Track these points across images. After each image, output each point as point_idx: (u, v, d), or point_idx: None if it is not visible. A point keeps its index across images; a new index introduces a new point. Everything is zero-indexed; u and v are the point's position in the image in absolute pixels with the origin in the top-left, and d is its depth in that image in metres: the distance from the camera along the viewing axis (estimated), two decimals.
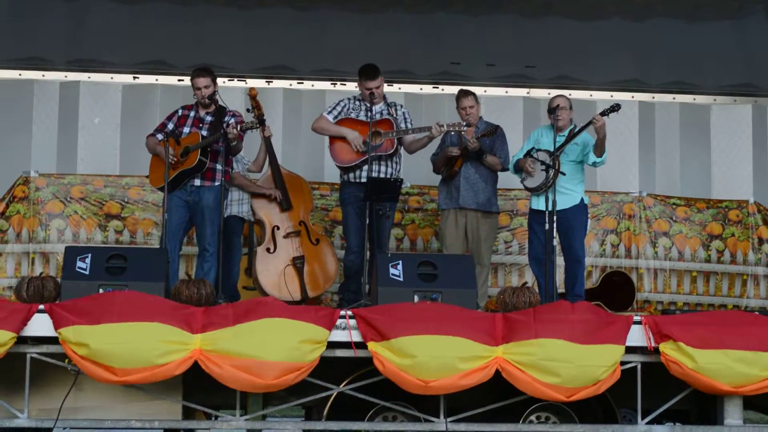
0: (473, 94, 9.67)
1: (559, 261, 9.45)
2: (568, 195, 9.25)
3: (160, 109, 10.44)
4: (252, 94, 9.66)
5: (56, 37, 11.02)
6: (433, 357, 8.04)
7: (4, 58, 11.00)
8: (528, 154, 9.28)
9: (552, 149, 9.17)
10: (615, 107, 9.21)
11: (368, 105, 9.39)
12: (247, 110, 9.52)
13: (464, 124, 9.30)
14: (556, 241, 9.07)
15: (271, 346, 7.93)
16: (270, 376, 7.92)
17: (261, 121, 9.31)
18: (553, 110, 9.24)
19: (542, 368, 8.07)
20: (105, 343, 7.79)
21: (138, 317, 7.81)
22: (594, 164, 9.34)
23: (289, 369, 7.96)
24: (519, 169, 9.39)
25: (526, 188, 9.37)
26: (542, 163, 9.13)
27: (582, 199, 9.36)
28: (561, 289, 9.56)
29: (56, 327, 7.97)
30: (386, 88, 9.90)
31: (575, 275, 9.29)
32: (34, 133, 10.90)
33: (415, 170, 9.97)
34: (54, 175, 10.42)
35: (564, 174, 9.12)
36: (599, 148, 9.19)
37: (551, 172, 9.07)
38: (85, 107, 10.98)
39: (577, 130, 9.24)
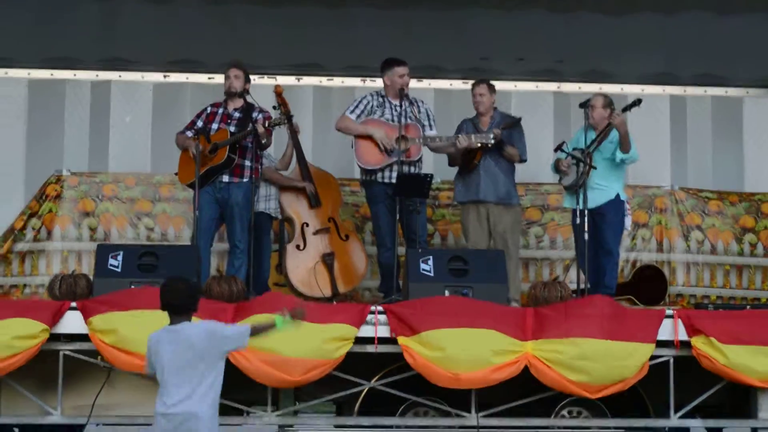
0: (487, 83, 9.62)
1: None
2: (602, 191, 9.23)
3: (190, 108, 10.46)
4: (278, 92, 9.67)
5: (87, 36, 11.05)
6: (464, 350, 8.06)
7: (36, 58, 11.07)
8: (559, 147, 9.27)
9: (590, 146, 9.16)
10: (636, 102, 9.23)
11: (393, 103, 9.37)
12: (273, 107, 9.54)
13: (491, 138, 9.24)
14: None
15: (299, 344, 7.96)
16: (296, 373, 8.00)
17: (288, 118, 9.33)
18: (583, 105, 9.21)
19: (571, 366, 8.08)
20: (133, 329, 7.84)
21: None
22: (622, 161, 9.27)
23: (314, 366, 8.04)
24: (557, 169, 9.38)
25: (564, 187, 9.35)
26: (573, 156, 9.11)
27: (618, 195, 9.31)
28: None
29: (86, 317, 8.04)
30: (416, 83, 9.86)
31: (605, 267, 9.24)
32: (66, 132, 10.96)
33: (446, 165, 9.93)
34: (86, 173, 10.50)
35: (595, 168, 9.10)
36: (623, 145, 9.16)
37: (581, 167, 9.05)
38: (117, 106, 11.04)
39: (602, 129, 9.21)
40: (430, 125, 9.54)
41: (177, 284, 6.49)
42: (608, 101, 9.46)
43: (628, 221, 9.61)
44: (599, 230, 9.26)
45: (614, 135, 9.26)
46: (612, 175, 9.33)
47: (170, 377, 6.28)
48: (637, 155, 9.33)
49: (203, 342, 6.32)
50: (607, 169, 9.27)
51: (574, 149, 9.27)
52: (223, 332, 6.45)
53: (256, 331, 6.50)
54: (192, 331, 6.38)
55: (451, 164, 9.64)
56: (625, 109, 9.19)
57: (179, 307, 6.42)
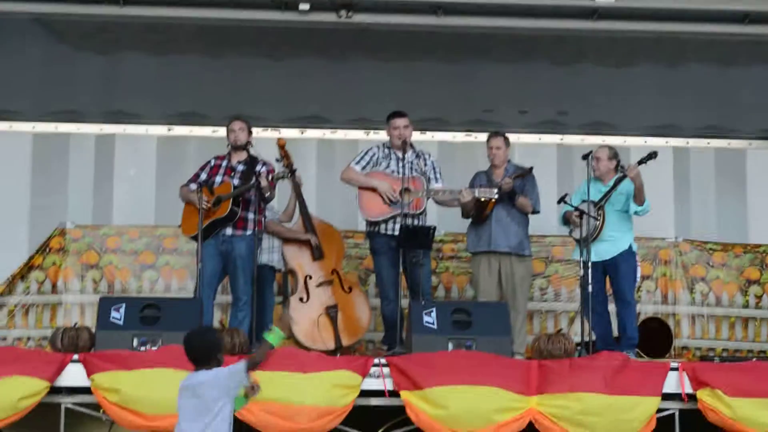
0: (503, 135, 9.65)
1: (612, 308, 9.39)
2: (614, 242, 9.25)
3: (194, 161, 10.49)
4: (280, 144, 9.70)
5: (91, 90, 11.13)
6: (467, 408, 8.01)
7: (40, 112, 11.13)
8: (562, 199, 9.26)
9: (597, 200, 9.17)
10: (652, 155, 9.22)
11: (398, 155, 9.39)
12: (276, 160, 9.57)
13: (495, 192, 9.24)
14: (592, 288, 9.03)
15: (305, 391, 7.93)
16: (303, 420, 7.94)
17: (291, 171, 9.36)
18: (585, 157, 9.21)
19: (576, 422, 8.04)
20: (136, 388, 7.82)
21: (169, 364, 7.80)
22: (636, 213, 9.27)
23: (322, 413, 7.98)
24: (567, 221, 9.36)
25: (575, 240, 9.33)
26: (579, 211, 9.09)
27: (630, 246, 9.32)
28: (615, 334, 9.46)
29: (89, 373, 8.01)
30: (420, 136, 9.87)
31: (625, 318, 9.24)
32: (70, 185, 11.02)
33: (449, 217, 9.95)
34: (90, 226, 10.51)
35: (597, 219, 9.10)
36: (638, 197, 9.18)
37: (592, 222, 9.05)
38: (121, 159, 11.09)
39: (614, 182, 9.21)
40: (436, 178, 9.54)
41: (195, 338, 6.61)
42: (613, 153, 9.49)
43: (638, 271, 9.60)
44: (615, 282, 9.28)
45: (624, 187, 9.25)
46: (623, 227, 9.32)
47: (184, 424, 6.40)
48: (650, 207, 9.32)
49: (211, 390, 6.41)
50: (618, 221, 9.28)
51: (582, 201, 9.25)
52: (224, 373, 6.52)
53: (253, 362, 6.51)
54: (200, 379, 6.47)
55: (464, 216, 9.63)
56: (641, 161, 9.19)
57: (197, 360, 6.54)
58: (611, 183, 9.29)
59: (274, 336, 6.45)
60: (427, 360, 8.24)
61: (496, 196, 9.22)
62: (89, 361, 8.11)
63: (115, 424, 8.09)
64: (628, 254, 9.32)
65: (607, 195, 9.24)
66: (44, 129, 11.18)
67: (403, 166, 9.38)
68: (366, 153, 9.61)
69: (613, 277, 9.27)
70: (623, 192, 9.27)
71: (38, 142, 11.11)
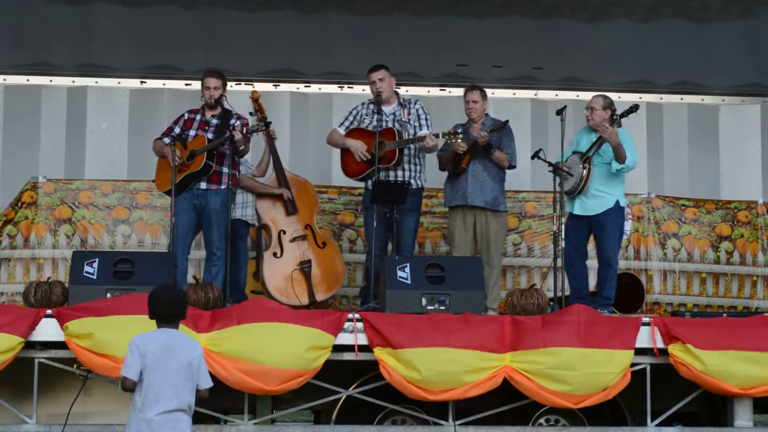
0: (480, 89, 9.59)
1: (593, 264, 9.41)
2: (601, 198, 9.16)
3: (167, 114, 10.44)
4: (254, 97, 9.64)
5: (63, 42, 11.04)
6: (439, 372, 8.04)
7: (12, 64, 11.02)
8: (535, 155, 9.23)
9: (589, 151, 9.13)
10: (633, 108, 9.14)
11: (378, 108, 9.37)
12: (250, 113, 9.52)
13: (460, 132, 9.21)
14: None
15: (278, 353, 7.96)
16: (273, 383, 7.98)
17: (265, 124, 9.32)
18: (559, 112, 9.13)
19: (550, 377, 8.07)
20: (108, 333, 7.80)
21: (143, 312, 7.76)
22: (619, 171, 9.12)
23: (293, 376, 8.02)
24: (556, 172, 9.26)
25: (565, 193, 9.24)
26: (553, 166, 9.04)
27: (617, 202, 9.21)
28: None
29: (62, 323, 7.99)
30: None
31: (605, 278, 9.19)
32: (42, 139, 10.92)
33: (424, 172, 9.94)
34: (62, 180, 10.43)
35: (571, 175, 9.08)
36: (617, 156, 9.07)
37: (582, 174, 9.02)
38: (93, 112, 11.00)
39: (597, 139, 9.14)
40: (421, 125, 9.48)
41: (166, 293, 6.54)
42: (608, 102, 9.29)
43: (628, 225, 9.58)
44: (598, 240, 9.24)
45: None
46: (612, 181, 9.19)
47: (165, 381, 6.28)
48: (636, 162, 9.24)
49: (195, 361, 6.42)
50: (606, 175, 9.17)
51: (574, 152, 9.22)
52: (202, 368, 6.50)
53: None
54: (187, 345, 6.45)
55: (441, 168, 9.61)
56: (622, 115, 9.12)
57: (168, 316, 6.46)
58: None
59: None
60: (401, 320, 8.23)
61: (462, 135, 9.14)
62: (62, 314, 8.09)
63: (89, 378, 8.08)
64: (615, 211, 9.18)
65: (592, 147, 9.16)
66: (15, 81, 11.06)
67: (380, 120, 9.35)
68: (350, 113, 9.63)
69: (597, 234, 9.21)
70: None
71: (9, 94, 10.99)
